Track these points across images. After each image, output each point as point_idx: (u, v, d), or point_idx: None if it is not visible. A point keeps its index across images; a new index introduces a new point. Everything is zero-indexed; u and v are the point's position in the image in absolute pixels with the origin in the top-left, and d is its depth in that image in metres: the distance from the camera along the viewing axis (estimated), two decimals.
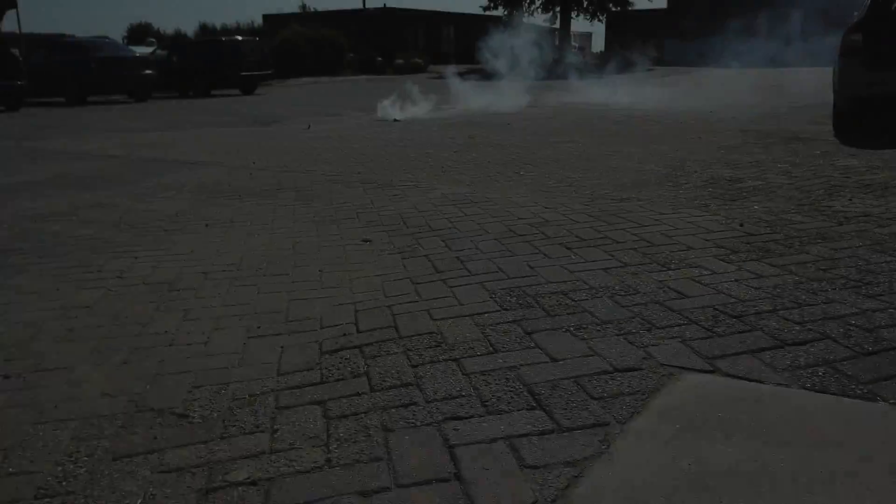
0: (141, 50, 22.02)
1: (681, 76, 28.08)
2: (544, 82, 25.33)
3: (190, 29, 68.52)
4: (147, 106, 17.96)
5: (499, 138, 9.35)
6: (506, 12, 41.92)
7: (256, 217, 4.94)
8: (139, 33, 62.06)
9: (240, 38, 22.46)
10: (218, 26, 57.12)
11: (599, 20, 41.95)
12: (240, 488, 1.74)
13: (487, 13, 43.72)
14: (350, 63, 35.49)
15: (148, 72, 19.08)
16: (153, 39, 30.81)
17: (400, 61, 36.30)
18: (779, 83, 21.30)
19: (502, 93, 20.13)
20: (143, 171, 7.29)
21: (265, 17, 46.45)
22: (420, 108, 14.59)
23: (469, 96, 19.22)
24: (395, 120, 12.51)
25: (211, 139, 10.34)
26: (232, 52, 21.06)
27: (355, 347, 2.58)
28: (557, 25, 41.81)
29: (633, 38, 40.15)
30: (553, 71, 29.58)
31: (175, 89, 21.34)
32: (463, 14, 45.38)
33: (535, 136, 9.61)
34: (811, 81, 17.23)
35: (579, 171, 6.42)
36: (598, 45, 54.51)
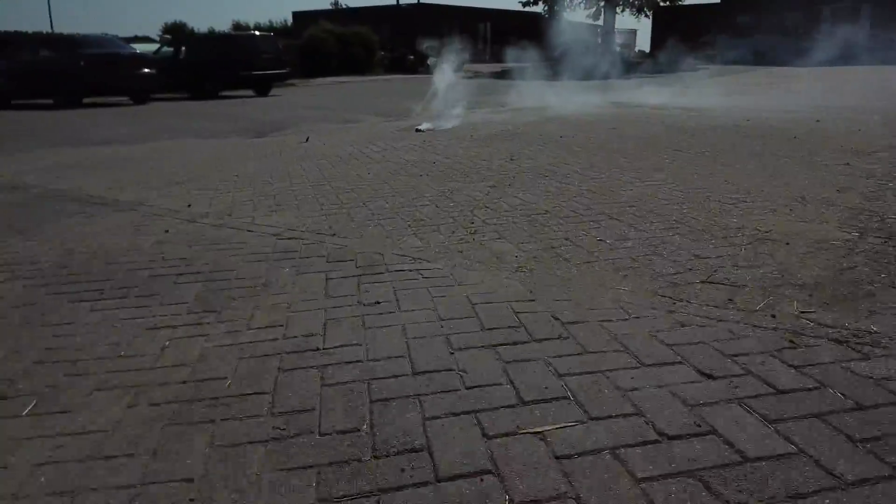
0: (144, 48, 19.55)
1: (745, 75, 24.96)
2: (591, 82, 22.53)
3: (224, 27, 66.72)
4: (143, 110, 15.57)
5: (550, 160, 6.67)
6: (545, 8, 39.03)
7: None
8: (174, 33, 60.47)
9: (257, 32, 19.92)
10: (251, 24, 55.23)
11: (647, 16, 38.85)
12: None
13: (527, 9, 40.87)
14: (381, 62, 32.95)
15: (147, 71, 16.67)
16: (168, 36, 28.60)
17: (433, 59, 33.61)
18: (884, 82, 18.27)
19: (544, 94, 17.40)
20: (15, 222, 4.75)
21: (295, 14, 44.22)
22: (451, 114, 11.97)
23: (507, 98, 16.55)
24: (419, 129, 9.88)
25: (176, 158, 7.83)
26: (244, 49, 18.61)
27: None
28: (601, 22, 38.79)
29: (683, 35, 37.01)
30: (598, 70, 26.87)
31: (184, 90, 18.94)
32: (500, 10, 42.59)
33: (601, 155, 6.91)
34: None
35: (707, 241, 3.70)
36: (642, 43, 51.24)
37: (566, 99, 15.41)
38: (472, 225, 4.12)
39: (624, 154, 6.99)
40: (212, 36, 18.39)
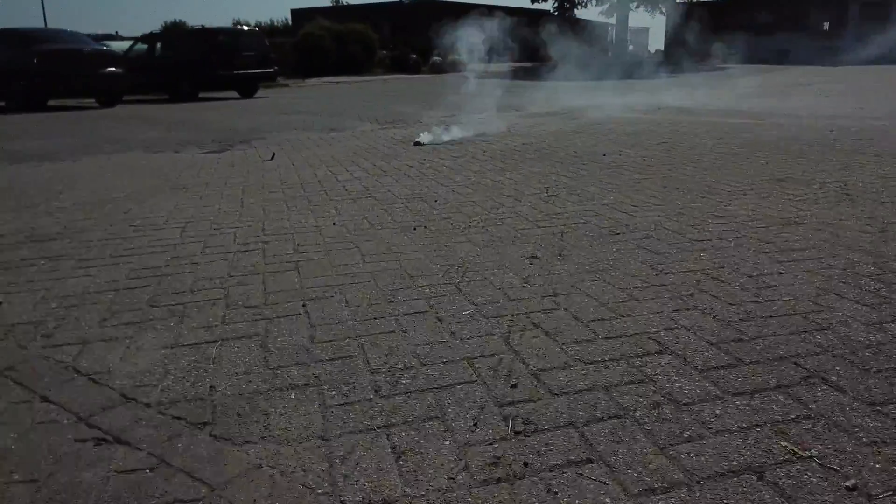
0: (120, 46, 17.29)
1: (773, 74, 22.66)
2: (608, 82, 20.25)
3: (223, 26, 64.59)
4: (101, 115, 13.33)
5: (606, 198, 4.47)
6: (555, 5, 36.73)
7: None
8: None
9: (244, 27, 17.62)
10: (252, 23, 53.01)
11: (662, 12, 36.51)
12: None
13: (535, 6, 38.59)
14: (381, 61, 30.69)
15: (112, 70, 14.42)
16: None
17: (437, 59, 31.37)
18: None
19: (562, 96, 15.13)
20: None
21: (293, 11, 41.94)
22: (458, 121, 9.77)
23: (521, 101, 14.30)
24: (418, 143, 7.67)
25: (83, 185, 5.65)
26: (224, 46, 16.36)
27: None
28: (613, 21, 36.49)
29: (699, 33, 34.69)
30: (613, 70, 24.70)
31: (160, 90, 16.70)
32: (508, 7, 40.28)
33: (676, 190, 4.67)
34: None
35: None
36: (655, 42, 48.83)
37: (588, 101, 13.18)
38: (515, 415, 1.84)
39: (715, 189, 4.74)
40: (188, 31, 16.09)
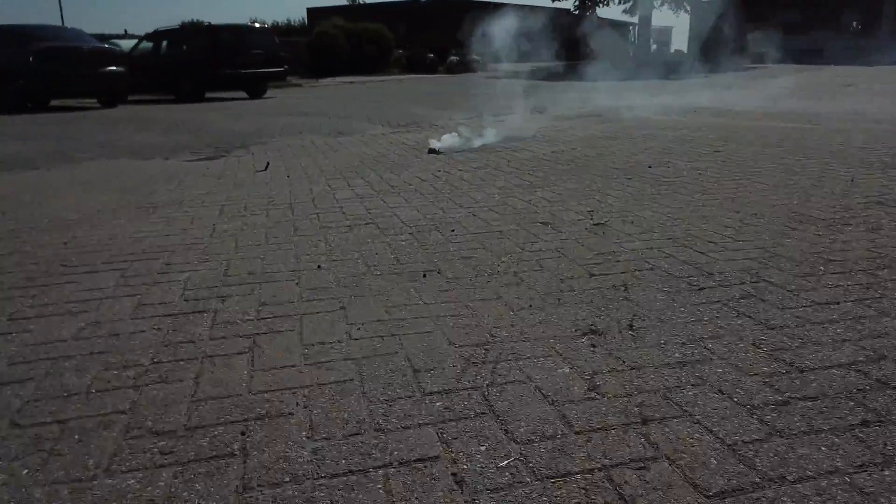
0: (127, 45, 16.45)
1: (808, 74, 21.46)
2: (634, 82, 19.19)
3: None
4: (105, 115, 12.51)
5: (671, 227, 3.45)
6: (576, 3, 35.60)
7: None
8: None
9: (253, 24, 16.69)
10: (269, 22, 52.36)
11: (686, 10, 35.22)
12: None
13: (556, 5, 37.48)
14: (397, 60, 29.74)
15: (114, 69, 13.56)
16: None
17: (454, 58, 30.37)
18: None
19: (587, 97, 14.09)
20: None
21: (309, 10, 41.10)
22: (477, 125, 8.81)
23: (544, 102, 13.29)
24: (433, 151, 6.70)
25: (51, 203, 4.69)
26: (231, 44, 15.46)
27: None
28: (635, 20, 35.30)
29: (725, 32, 33.48)
30: (637, 70, 23.62)
31: (164, 90, 15.85)
32: (528, 6, 39.23)
33: (747, 213, 3.67)
34: None
35: None
36: (678, 41, 47.48)
37: (618, 102, 12.14)
38: None
39: (803, 217, 3.73)
40: (194, 28, 15.19)
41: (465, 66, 29.87)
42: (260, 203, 4.49)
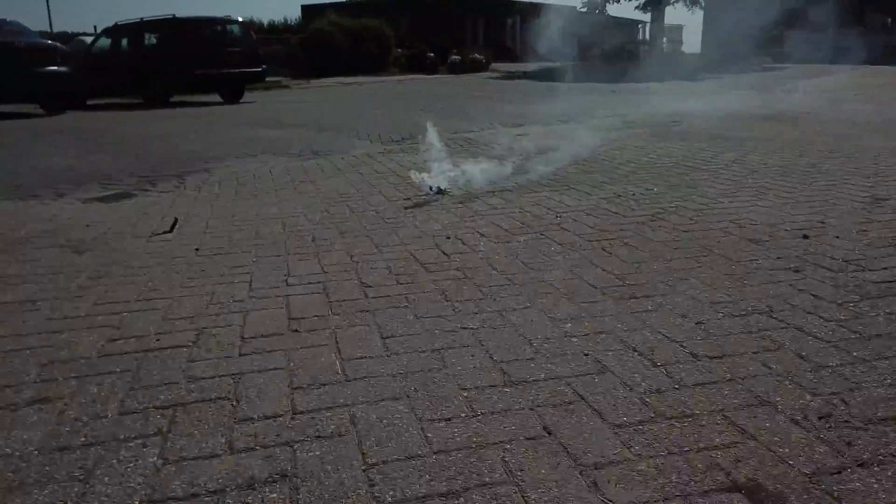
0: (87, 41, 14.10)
1: (843, 75, 19.10)
2: (653, 84, 16.87)
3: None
4: (35, 125, 10.18)
5: None
6: (585, 0, 33.24)
7: None
8: None
9: (227, 17, 14.26)
10: (265, 23, 49.96)
11: (701, 6, 32.87)
12: None
13: (562, 2, 35.04)
14: (397, 60, 27.41)
15: (55, 68, 11.23)
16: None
17: (456, 58, 28.06)
18: None
19: (608, 101, 11.78)
20: None
21: (304, 7, 38.70)
22: (488, 141, 6.55)
23: (559, 106, 10.98)
24: (434, 190, 4.40)
25: None
26: (200, 40, 13.12)
27: None
28: (647, 18, 32.96)
29: (741, 31, 31.01)
30: (651, 70, 21.38)
31: (128, 93, 13.51)
32: (531, 3, 36.81)
33: None
34: None
35: None
36: (690, 41, 45.02)
37: (651, 108, 9.87)
38: None
39: None
40: (157, 22, 12.79)
41: (467, 66, 27.56)
42: (90, 341, 2.18)
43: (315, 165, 5.99)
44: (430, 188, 4.55)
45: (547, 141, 7.05)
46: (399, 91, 16.68)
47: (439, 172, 4.78)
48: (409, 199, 4.39)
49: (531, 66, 29.23)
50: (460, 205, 4.15)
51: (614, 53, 28.06)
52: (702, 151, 6.19)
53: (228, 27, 13.62)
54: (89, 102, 13.75)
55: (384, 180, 5.13)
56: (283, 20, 52.66)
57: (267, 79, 17.50)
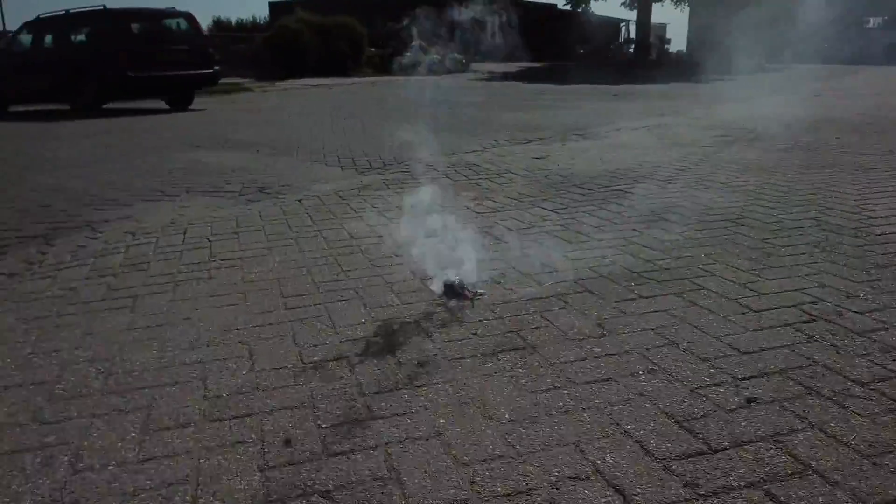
0: None
1: (852, 76, 17.32)
2: (654, 86, 14.98)
3: (203, 25, 58.52)
4: None
5: None
6: None
7: None
8: None
9: (182, 10, 11.90)
10: (233, 21, 47.34)
11: (687, 2, 31.03)
12: None
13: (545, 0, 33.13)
14: (371, 59, 25.21)
15: None
16: None
17: (435, 58, 25.82)
18: None
19: (624, 108, 9.78)
20: None
21: (271, 4, 36.19)
22: (508, 181, 4.44)
23: (565, 116, 8.93)
24: (462, 293, 2.26)
25: None
26: (140, 37, 10.84)
27: None
28: (634, 15, 31.07)
29: (728, 29, 29.15)
30: (642, 71, 19.62)
31: (54, 98, 11.19)
32: (514, 1, 34.76)
33: None
34: None
35: None
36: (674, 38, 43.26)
37: (677, 115, 7.92)
38: None
39: None
40: (85, 15, 10.42)
41: (446, 67, 25.35)
42: None
43: (255, 219, 3.85)
44: (456, 289, 2.48)
45: (583, 166, 4.99)
46: (375, 95, 14.50)
47: (466, 281, 2.68)
48: (416, 317, 2.31)
49: (513, 67, 27.24)
50: (524, 351, 2.08)
51: (607, 53, 26.22)
52: None
53: (172, 21, 11.32)
54: (11, 109, 11.43)
55: (362, 257, 3.03)
56: (251, 19, 49.96)
57: (227, 80, 15.26)
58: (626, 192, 4.34)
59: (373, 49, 26.17)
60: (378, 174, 5.36)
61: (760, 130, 7.17)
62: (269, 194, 4.62)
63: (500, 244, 3.14)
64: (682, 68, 22.41)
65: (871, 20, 28.23)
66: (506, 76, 22.28)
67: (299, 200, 4.37)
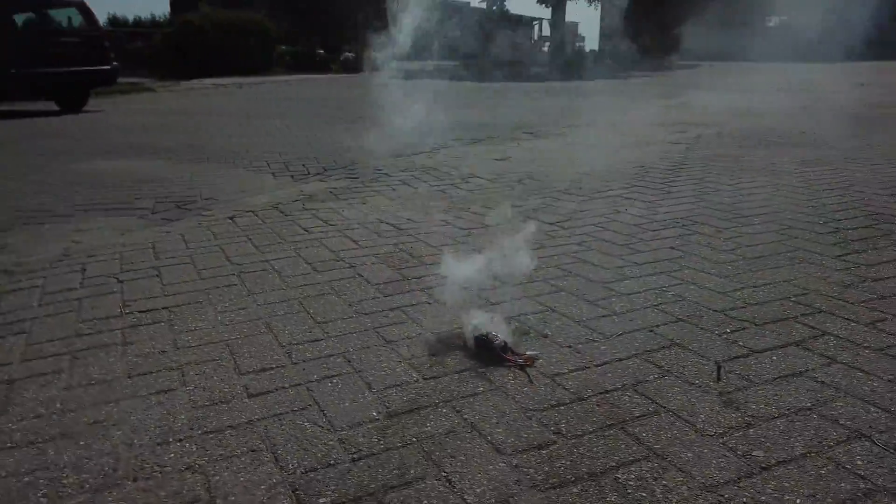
0: None
1: (768, 73, 17.56)
2: (585, 83, 14.63)
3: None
4: None
5: None
6: None
7: None
8: None
9: (75, 0, 10.42)
10: (130, 19, 44.63)
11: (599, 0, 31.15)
12: None
13: None
14: (282, 57, 23.98)
15: None
16: None
17: (350, 55, 24.93)
18: None
19: (572, 106, 9.22)
20: None
21: (172, 1, 34.08)
22: (486, 188, 3.68)
23: (517, 113, 8.24)
24: (519, 357, 1.54)
25: None
26: (22, 28, 9.44)
27: None
28: (549, 13, 30.99)
29: (639, 27, 29.97)
30: (566, 68, 19.48)
31: None
32: None
33: None
34: None
35: None
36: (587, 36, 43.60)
37: (629, 114, 7.43)
38: None
39: None
40: None
41: (363, 65, 24.53)
42: None
43: (179, 246, 2.94)
44: (496, 350, 1.72)
45: (553, 167, 4.30)
46: (292, 94, 13.44)
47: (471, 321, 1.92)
48: (452, 400, 1.51)
49: (429, 64, 26.60)
50: (647, 464, 1.32)
51: (522, 51, 25.95)
52: None
53: (62, 11, 9.95)
54: None
55: (337, 300, 2.21)
56: (150, 16, 47.37)
57: (125, 80, 13.84)
58: (625, 197, 3.67)
59: (283, 47, 24.92)
60: (320, 181, 4.51)
61: (720, 125, 6.73)
62: (190, 210, 3.70)
63: (513, 274, 2.36)
64: (600, 66, 22.35)
65: (774, 19, 29.14)
66: (428, 73, 21.55)
67: (231, 218, 3.47)
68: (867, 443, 1.36)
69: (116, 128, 8.00)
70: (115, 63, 10.10)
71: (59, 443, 1.46)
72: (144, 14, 70.35)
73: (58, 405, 1.61)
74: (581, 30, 41.22)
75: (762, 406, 1.51)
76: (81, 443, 1.45)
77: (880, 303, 2.09)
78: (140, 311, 2.20)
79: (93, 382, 1.72)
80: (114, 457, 1.40)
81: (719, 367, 1.65)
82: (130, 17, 45.18)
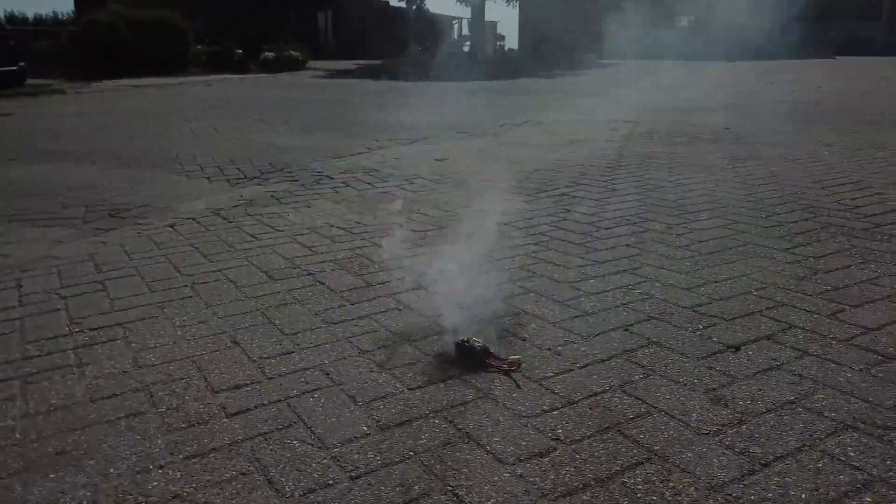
0: None
1: (685, 70, 18.25)
2: (503, 82, 14.82)
3: None
4: None
5: None
6: None
7: None
8: None
9: None
10: (30, 16, 42.33)
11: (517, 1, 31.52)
12: None
13: None
14: (197, 57, 23.24)
15: None
16: None
17: (270, 55, 24.41)
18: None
19: (502, 105, 9.31)
20: None
21: None
22: (432, 190, 3.65)
23: (447, 113, 8.24)
24: (502, 362, 1.62)
25: None
26: None
27: None
28: (469, 12, 31.19)
29: (556, 27, 30.63)
30: (482, 68, 19.65)
31: None
32: None
33: None
34: None
35: None
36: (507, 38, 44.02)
37: (561, 112, 7.57)
38: None
39: None
40: None
41: (283, 64, 24.11)
42: None
43: (121, 258, 2.79)
44: (477, 356, 1.69)
45: (496, 166, 4.32)
46: (214, 95, 13.03)
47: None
48: (445, 411, 1.47)
49: (350, 64, 26.32)
50: (649, 466, 1.33)
51: (446, 49, 26.03)
52: None
53: None
54: None
55: (302, 309, 2.15)
56: (52, 13, 45.28)
57: (31, 81, 13.08)
58: (572, 195, 3.71)
59: (199, 46, 24.16)
60: (258, 185, 4.38)
61: (646, 121, 6.91)
62: (125, 219, 3.52)
63: (481, 276, 2.34)
64: (521, 65, 22.65)
65: (684, 19, 30.21)
66: (347, 73, 21.32)
67: (171, 226, 3.32)
68: (855, 433, 1.40)
69: (30, 132, 7.55)
70: (21, 63, 9.54)
71: (26, 476, 1.34)
72: (45, 11, 66.91)
73: (17, 435, 1.48)
74: (500, 29, 41.58)
75: (749, 402, 1.54)
76: (52, 476, 1.34)
77: (836, 294, 2.18)
78: (91, 329, 2.06)
79: (52, 409, 1.59)
80: (90, 489, 1.30)
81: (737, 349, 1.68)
82: (31, 15, 42.77)
